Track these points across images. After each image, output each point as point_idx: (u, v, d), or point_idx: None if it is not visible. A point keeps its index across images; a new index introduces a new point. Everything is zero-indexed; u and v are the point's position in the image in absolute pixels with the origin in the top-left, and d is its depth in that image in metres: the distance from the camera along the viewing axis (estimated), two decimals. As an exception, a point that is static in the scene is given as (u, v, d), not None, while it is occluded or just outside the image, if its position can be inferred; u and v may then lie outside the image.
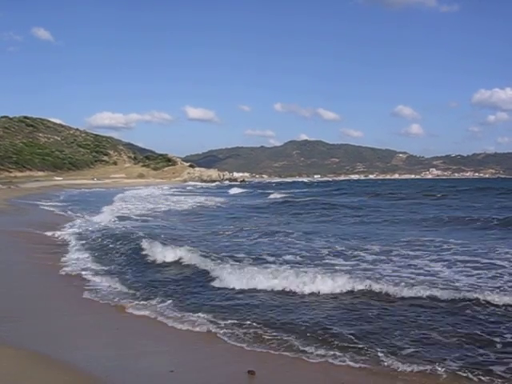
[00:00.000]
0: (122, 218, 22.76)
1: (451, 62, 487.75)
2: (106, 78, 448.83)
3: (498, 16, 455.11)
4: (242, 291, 9.18)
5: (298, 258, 11.92)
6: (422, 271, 10.35)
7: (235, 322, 7.41)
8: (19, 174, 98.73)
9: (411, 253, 12.48)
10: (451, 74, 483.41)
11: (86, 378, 5.45)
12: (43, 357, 5.95)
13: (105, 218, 22.61)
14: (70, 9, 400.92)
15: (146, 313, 7.97)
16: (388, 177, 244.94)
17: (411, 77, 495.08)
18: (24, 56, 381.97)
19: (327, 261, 11.57)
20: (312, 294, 8.88)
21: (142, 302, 8.51)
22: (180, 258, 12.12)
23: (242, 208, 32.02)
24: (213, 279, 10.04)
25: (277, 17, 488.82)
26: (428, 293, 8.35)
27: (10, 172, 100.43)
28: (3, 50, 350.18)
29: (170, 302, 8.49)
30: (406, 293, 8.42)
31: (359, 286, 8.87)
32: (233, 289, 9.35)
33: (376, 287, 8.75)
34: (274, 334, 6.90)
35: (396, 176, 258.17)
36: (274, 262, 11.29)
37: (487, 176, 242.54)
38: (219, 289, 9.43)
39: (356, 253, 12.51)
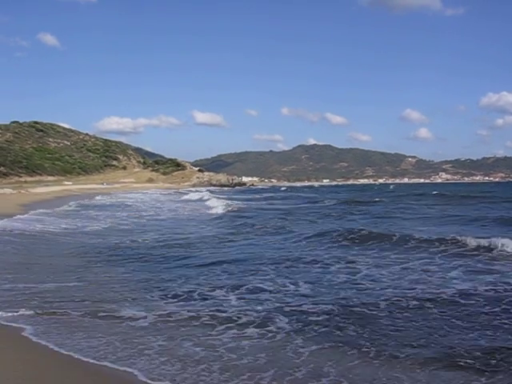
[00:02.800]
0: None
1: (458, 65, 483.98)
2: (113, 82, 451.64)
3: (504, 19, 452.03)
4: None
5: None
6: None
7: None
8: (29, 179, 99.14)
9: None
10: (458, 78, 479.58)
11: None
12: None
13: None
14: (76, 14, 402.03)
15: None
16: (397, 181, 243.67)
17: (418, 80, 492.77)
18: (31, 61, 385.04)
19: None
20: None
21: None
22: None
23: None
24: None
25: (283, 21, 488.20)
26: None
27: (21, 177, 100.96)
28: (10, 56, 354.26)
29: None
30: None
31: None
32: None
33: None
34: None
35: (405, 180, 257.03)
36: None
37: (497, 180, 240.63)
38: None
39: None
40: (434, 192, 59.82)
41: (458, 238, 14.78)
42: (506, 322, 7.28)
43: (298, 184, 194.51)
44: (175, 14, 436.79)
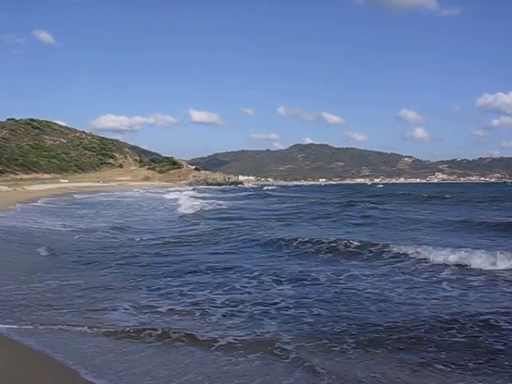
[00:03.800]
0: None
1: (454, 65, 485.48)
2: (110, 80, 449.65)
3: (500, 19, 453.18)
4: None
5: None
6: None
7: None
8: (25, 176, 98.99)
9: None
10: (454, 78, 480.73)
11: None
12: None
13: None
14: (72, 11, 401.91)
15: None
16: (393, 181, 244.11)
17: (414, 81, 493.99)
18: (26, 59, 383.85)
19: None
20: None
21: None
22: None
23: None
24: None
25: (279, 20, 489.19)
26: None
27: (16, 174, 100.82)
28: (6, 53, 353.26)
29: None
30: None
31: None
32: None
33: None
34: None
35: (402, 180, 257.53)
36: None
37: (493, 180, 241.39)
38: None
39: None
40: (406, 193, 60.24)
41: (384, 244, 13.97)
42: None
43: (290, 183, 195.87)
44: (171, 12, 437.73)
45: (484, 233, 18.45)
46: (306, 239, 15.38)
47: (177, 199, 47.39)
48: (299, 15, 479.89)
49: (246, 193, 74.15)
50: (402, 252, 12.76)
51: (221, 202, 43.78)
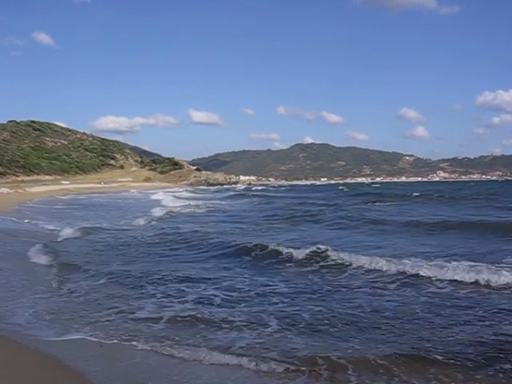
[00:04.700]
0: None
1: (454, 63, 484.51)
2: (109, 81, 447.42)
3: (500, 17, 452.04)
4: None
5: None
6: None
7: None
8: (26, 178, 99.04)
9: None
10: (454, 76, 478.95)
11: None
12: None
13: None
14: (71, 13, 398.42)
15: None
16: (395, 180, 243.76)
17: (414, 79, 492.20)
18: (26, 60, 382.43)
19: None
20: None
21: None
22: None
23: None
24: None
25: (279, 20, 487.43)
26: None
27: (18, 176, 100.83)
28: (5, 55, 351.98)
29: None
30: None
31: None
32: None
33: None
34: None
35: (403, 179, 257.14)
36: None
37: (494, 178, 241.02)
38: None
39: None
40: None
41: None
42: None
43: (291, 183, 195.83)
44: (171, 12, 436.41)
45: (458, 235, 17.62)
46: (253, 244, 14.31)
47: (161, 200, 47.78)
48: (298, 15, 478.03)
49: (231, 193, 74.45)
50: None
51: (200, 202, 43.83)
